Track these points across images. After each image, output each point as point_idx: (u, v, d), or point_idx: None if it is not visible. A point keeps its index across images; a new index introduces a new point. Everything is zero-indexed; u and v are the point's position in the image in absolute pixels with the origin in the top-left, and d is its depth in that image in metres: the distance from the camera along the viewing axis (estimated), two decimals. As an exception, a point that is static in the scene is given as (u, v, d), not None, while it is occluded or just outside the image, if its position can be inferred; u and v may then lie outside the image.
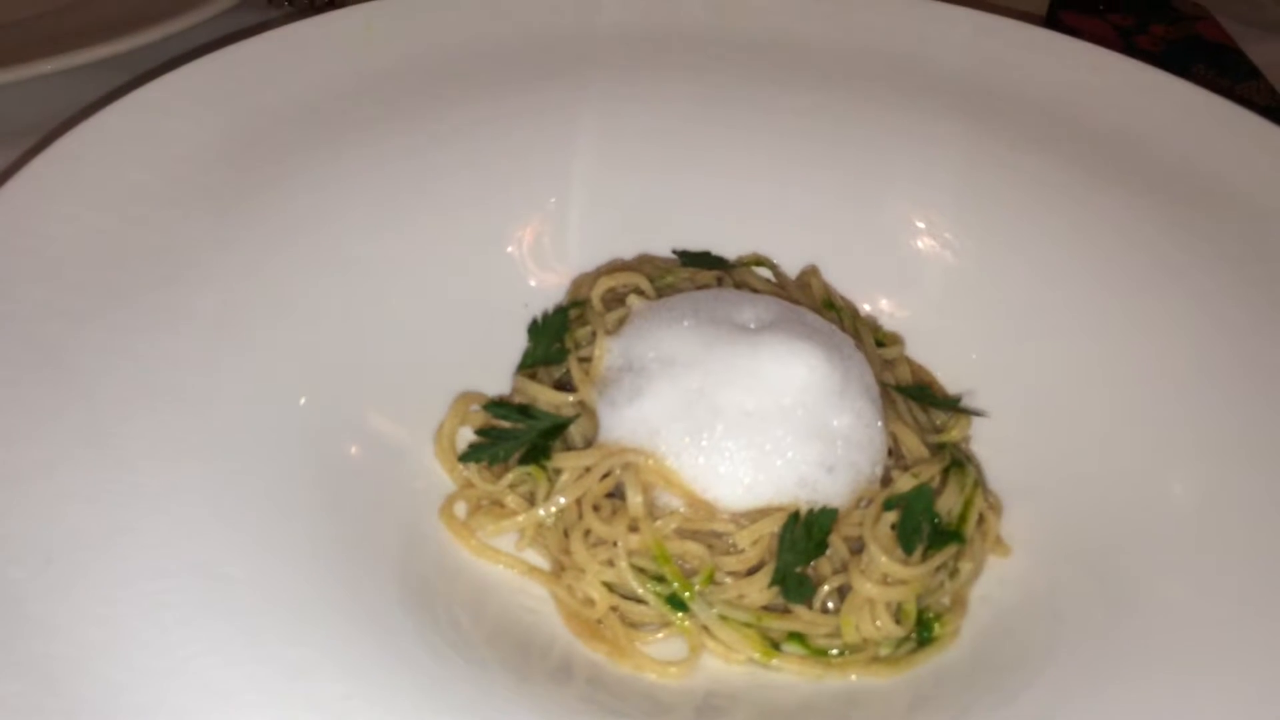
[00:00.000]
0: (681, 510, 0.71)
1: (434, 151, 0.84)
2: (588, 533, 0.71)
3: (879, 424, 0.74)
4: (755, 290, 0.83)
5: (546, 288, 0.85)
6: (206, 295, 0.71)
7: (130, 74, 0.96)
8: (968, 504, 0.73)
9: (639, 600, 0.69)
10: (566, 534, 0.71)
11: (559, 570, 0.72)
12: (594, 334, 0.78)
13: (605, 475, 0.72)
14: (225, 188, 0.77)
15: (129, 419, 0.64)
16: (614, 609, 0.69)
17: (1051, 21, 1.24)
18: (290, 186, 0.79)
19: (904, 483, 0.73)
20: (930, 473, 0.73)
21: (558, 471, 0.73)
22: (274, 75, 0.84)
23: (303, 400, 0.72)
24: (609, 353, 0.76)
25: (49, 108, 0.96)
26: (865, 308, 0.87)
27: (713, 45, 0.92)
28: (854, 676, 0.68)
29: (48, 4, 1.07)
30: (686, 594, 0.68)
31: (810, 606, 0.70)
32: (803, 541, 0.69)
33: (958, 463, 0.75)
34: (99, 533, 0.58)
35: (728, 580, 0.70)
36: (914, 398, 0.80)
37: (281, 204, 0.78)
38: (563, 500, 0.72)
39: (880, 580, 0.69)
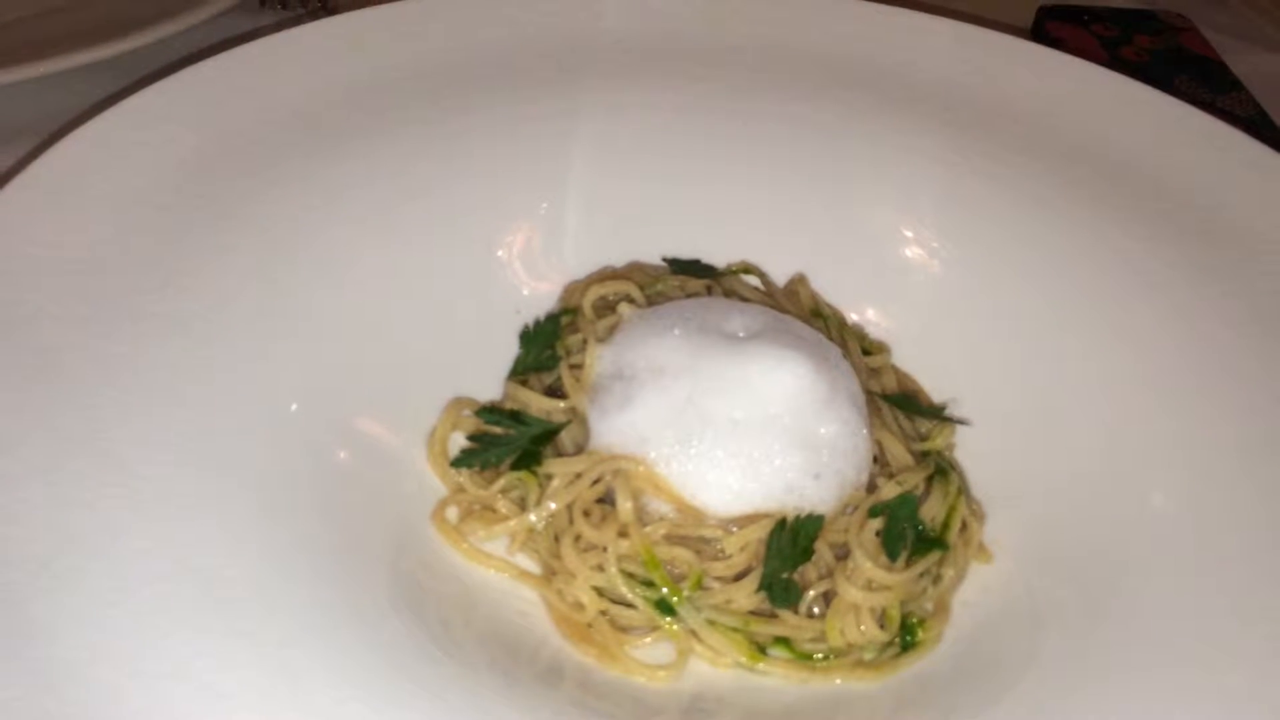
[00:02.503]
0: (670, 516, 0.72)
1: (427, 158, 0.85)
2: (578, 538, 0.72)
3: (865, 432, 0.75)
4: (744, 299, 0.84)
5: (538, 295, 0.86)
6: (200, 300, 0.72)
7: (125, 77, 0.96)
8: (951, 511, 0.74)
9: (628, 605, 0.70)
10: (557, 539, 0.72)
11: (549, 574, 0.73)
12: (585, 341, 0.79)
13: (596, 481, 0.72)
14: (219, 193, 0.77)
15: (124, 424, 0.64)
16: (603, 613, 0.70)
17: (1037, 32, 1.25)
18: (284, 192, 0.80)
19: (889, 490, 0.74)
20: (915, 480, 0.75)
21: (549, 477, 0.74)
22: (268, 81, 0.85)
23: (295, 406, 0.72)
24: (600, 360, 0.77)
25: (43, 110, 0.96)
26: (852, 316, 0.88)
27: (704, 55, 0.93)
28: (838, 680, 0.69)
29: (41, 5, 1.07)
30: (675, 599, 0.69)
31: (796, 611, 0.71)
32: (789, 547, 0.70)
33: (942, 470, 0.76)
34: (96, 536, 0.59)
35: (715, 585, 0.71)
36: (899, 406, 0.81)
37: (275, 210, 0.79)
38: (554, 506, 0.73)
39: (865, 586, 0.70)
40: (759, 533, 0.71)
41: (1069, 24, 1.27)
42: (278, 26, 0.89)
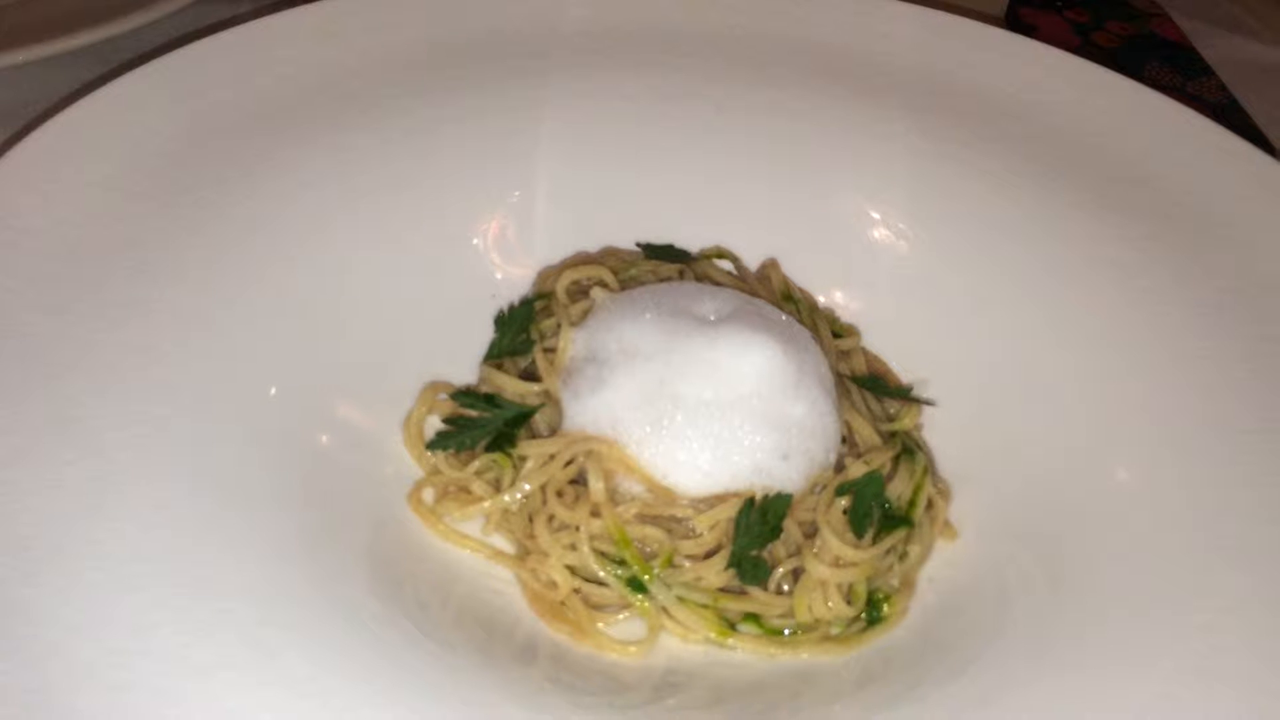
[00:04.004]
0: (642, 496, 0.73)
1: (400, 145, 0.86)
2: (551, 518, 0.73)
3: (833, 413, 0.76)
4: (716, 283, 0.85)
5: (513, 280, 0.87)
6: (177, 287, 0.73)
7: (100, 65, 0.97)
8: (917, 489, 0.76)
9: (600, 583, 0.72)
10: (531, 519, 0.74)
11: (524, 554, 0.74)
12: (559, 325, 0.80)
13: (569, 462, 0.74)
14: (195, 181, 0.78)
15: (103, 408, 0.65)
16: (576, 591, 0.72)
17: (1010, 18, 1.26)
18: (260, 180, 0.81)
19: (856, 469, 0.75)
20: (881, 460, 0.76)
21: (523, 459, 0.75)
22: (243, 70, 0.85)
23: (273, 390, 0.73)
24: (573, 344, 0.78)
25: (20, 97, 0.97)
26: (823, 300, 0.90)
27: (675, 42, 0.93)
28: (805, 655, 0.71)
29: (16, -6, 1.07)
30: (646, 577, 0.71)
31: (765, 588, 0.72)
32: (758, 526, 0.72)
33: (908, 450, 0.78)
34: (74, 519, 0.60)
35: (686, 563, 0.72)
36: (867, 387, 0.82)
37: (252, 197, 0.80)
38: (527, 486, 0.74)
39: (832, 563, 0.72)
40: (728, 511, 0.72)
41: (1042, 10, 1.28)
42: (254, 14, 0.89)
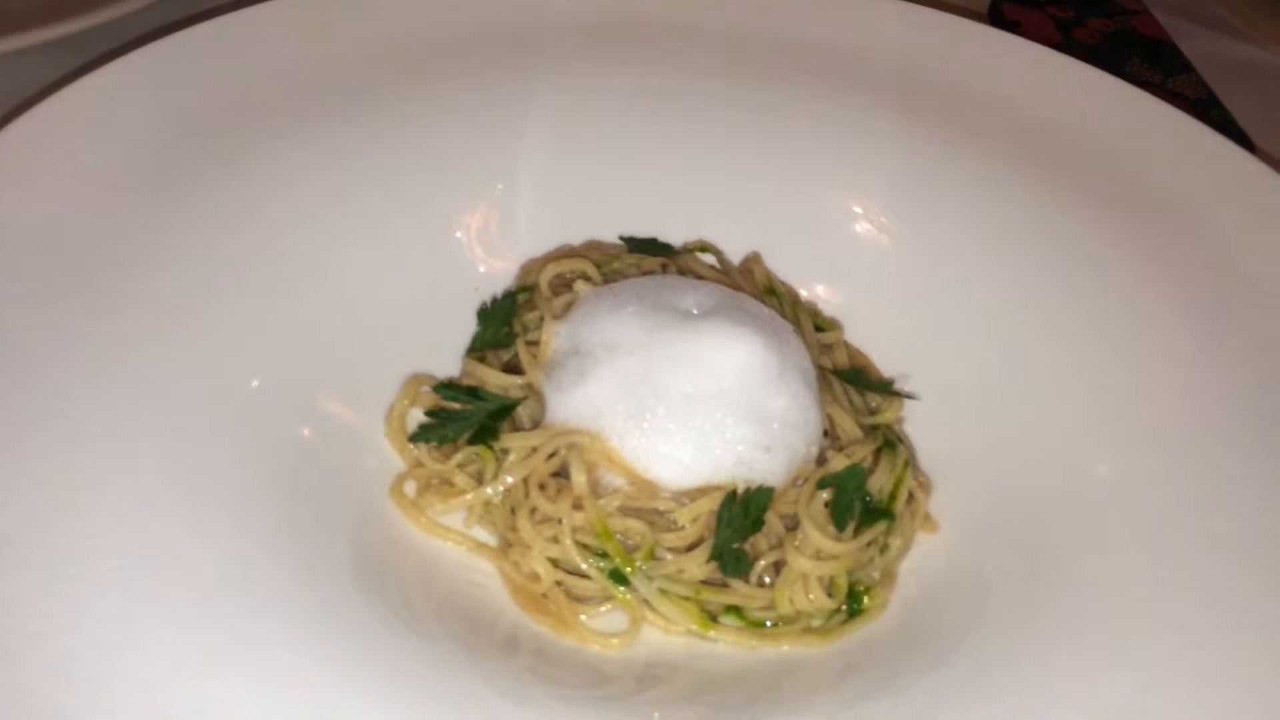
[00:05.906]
0: (624, 489, 0.73)
1: (384, 137, 0.86)
2: (534, 510, 0.73)
3: (815, 406, 0.77)
4: (699, 277, 0.85)
5: (496, 273, 0.87)
6: (159, 279, 0.73)
7: (79, 57, 0.96)
8: (898, 483, 0.76)
9: (583, 575, 0.72)
10: (513, 512, 0.74)
11: (506, 546, 0.74)
12: (542, 318, 0.80)
13: (551, 455, 0.74)
14: (177, 172, 0.78)
15: (84, 402, 0.65)
16: (559, 584, 0.72)
17: (993, 13, 1.27)
18: (242, 172, 0.80)
19: (838, 462, 0.76)
20: (863, 453, 0.76)
21: (505, 451, 0.75)
22: (226, 61, 0.85)
23: (255, 383, 0.73)
24: (556, 337, 0.78)
25: (-1, 88, 0.96)
26: (804, 293, 0.90)
27: (659, 36, 0.94)
28: (787, 646, 0.71)
29: (-5, -16, 1.06)
30: (628, 569, 0.71)
31: (747, 580, 0.73)
32: (740, 519, 0.72)
33: (890, 443, 0.78)
34: (55, 512, 0.60)
35: (668, 556, 0.73)
36: (849, 381, 0.83)
37: (234, 189, 0.79)
38: (510, 479, 0.74)
39: (813, 555, 0.72)
40: (710, 504, 0.72)
41: (1024, 5, 1.28)
42: (234, 6, 0.89)
